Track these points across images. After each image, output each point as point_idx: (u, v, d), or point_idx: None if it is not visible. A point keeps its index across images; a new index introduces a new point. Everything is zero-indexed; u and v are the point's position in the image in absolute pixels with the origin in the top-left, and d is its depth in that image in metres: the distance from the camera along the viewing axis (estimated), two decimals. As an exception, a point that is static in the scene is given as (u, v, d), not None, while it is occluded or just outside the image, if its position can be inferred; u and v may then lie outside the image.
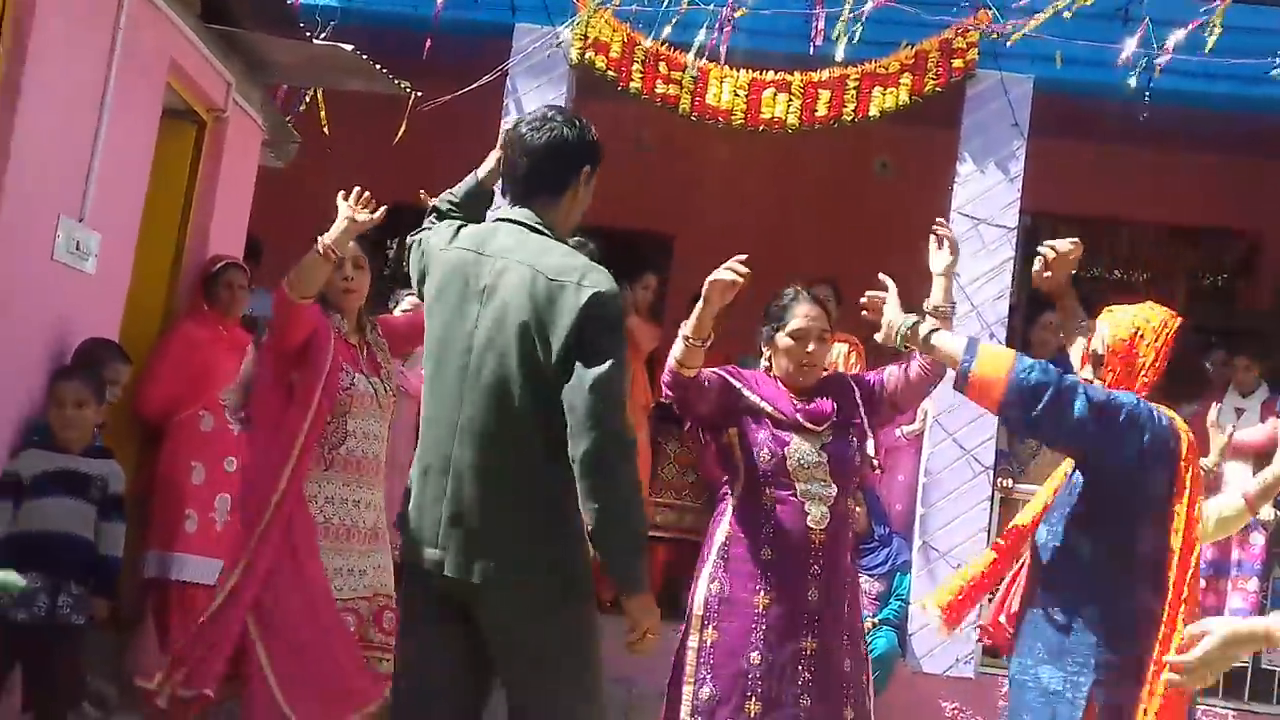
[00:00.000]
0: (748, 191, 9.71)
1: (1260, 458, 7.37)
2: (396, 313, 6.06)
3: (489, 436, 3.26)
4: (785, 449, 4.00)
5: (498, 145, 3.66)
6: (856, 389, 4.17)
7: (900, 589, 7.22)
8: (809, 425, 4.03)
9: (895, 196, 9.21)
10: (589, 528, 3.20)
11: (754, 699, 3.89)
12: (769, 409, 4.05)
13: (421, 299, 3.54)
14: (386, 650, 4.40)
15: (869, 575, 7.22)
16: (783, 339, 4.14)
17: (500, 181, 3.62)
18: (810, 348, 4.11)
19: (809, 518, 3.96)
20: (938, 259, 4.14)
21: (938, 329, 3.69)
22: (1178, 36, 6.86)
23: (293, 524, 4.34)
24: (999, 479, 7.30)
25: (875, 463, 4.26)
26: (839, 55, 7.28)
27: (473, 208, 3.73)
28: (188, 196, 6.45)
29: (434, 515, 3.31)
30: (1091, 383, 3.52)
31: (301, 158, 7.68)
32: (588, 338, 3.18)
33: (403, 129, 7.33)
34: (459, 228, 3.52)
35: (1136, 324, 3.53)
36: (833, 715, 3.95)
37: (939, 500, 7.34)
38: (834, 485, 4.01)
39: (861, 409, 4.10)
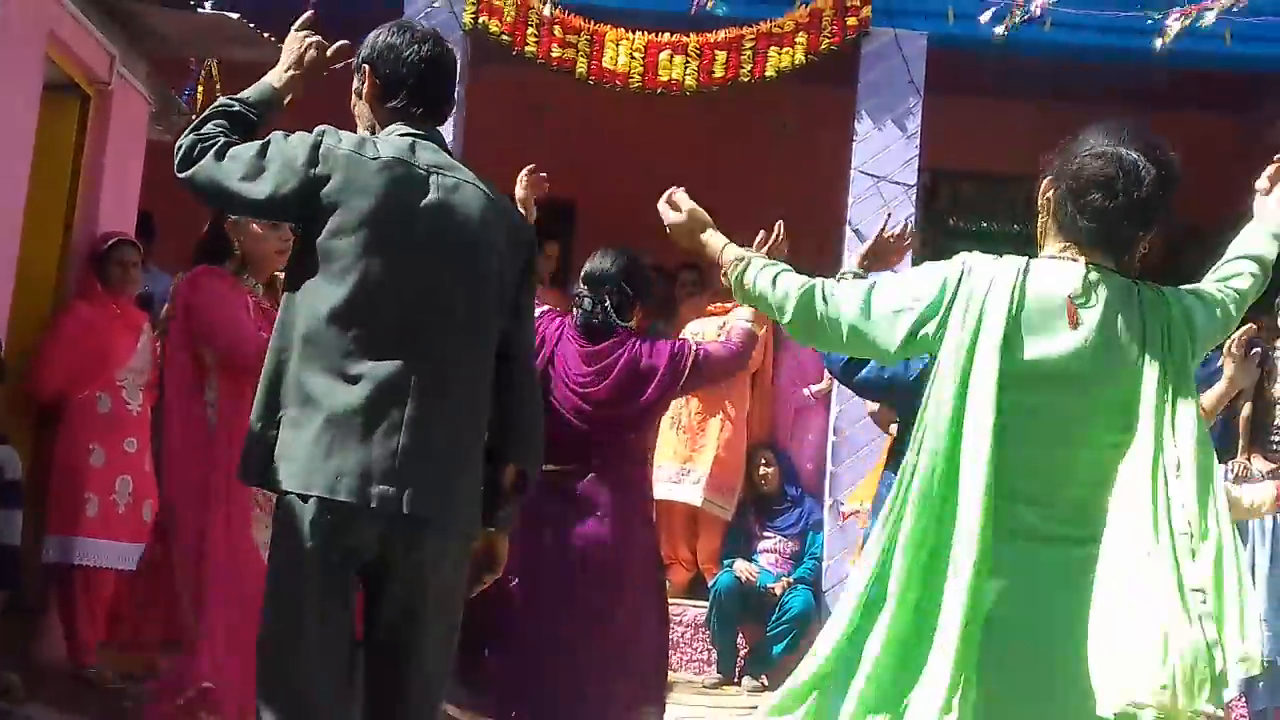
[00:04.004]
0: (648, 155, 9.67)
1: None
2: None
3: (461, 364, 3.12)
4: None
5: (373, 53, 3.24)
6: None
7: (813, 548, 7.30)
8: None
9: (795, 156, 9.23)
10: (520, 446, 3.29)
11: None
12: None
13: (296, 208, 3.11)
14: None
15: (782, 535, 7.30)
16: None
17: (379, 94, 3.25)
18: None
19: None
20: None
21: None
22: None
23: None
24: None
25: None
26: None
27: (263, 126, 3.29)
28: (74, 173, 6.26)
29: (385, 450, 3.00)
30: None
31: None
32: (530, 277, 3.29)
33: (290, 98, 7.17)
34: (366, 137, 3.20)
35: None
36: None
37: (848, 459, 7.40)
38: None
39: None
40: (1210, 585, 2.41)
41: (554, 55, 7.50)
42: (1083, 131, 2.72)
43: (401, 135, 3.20)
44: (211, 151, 3.09)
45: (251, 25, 6.25)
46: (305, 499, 3.02)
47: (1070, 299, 2.57)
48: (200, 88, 7.22)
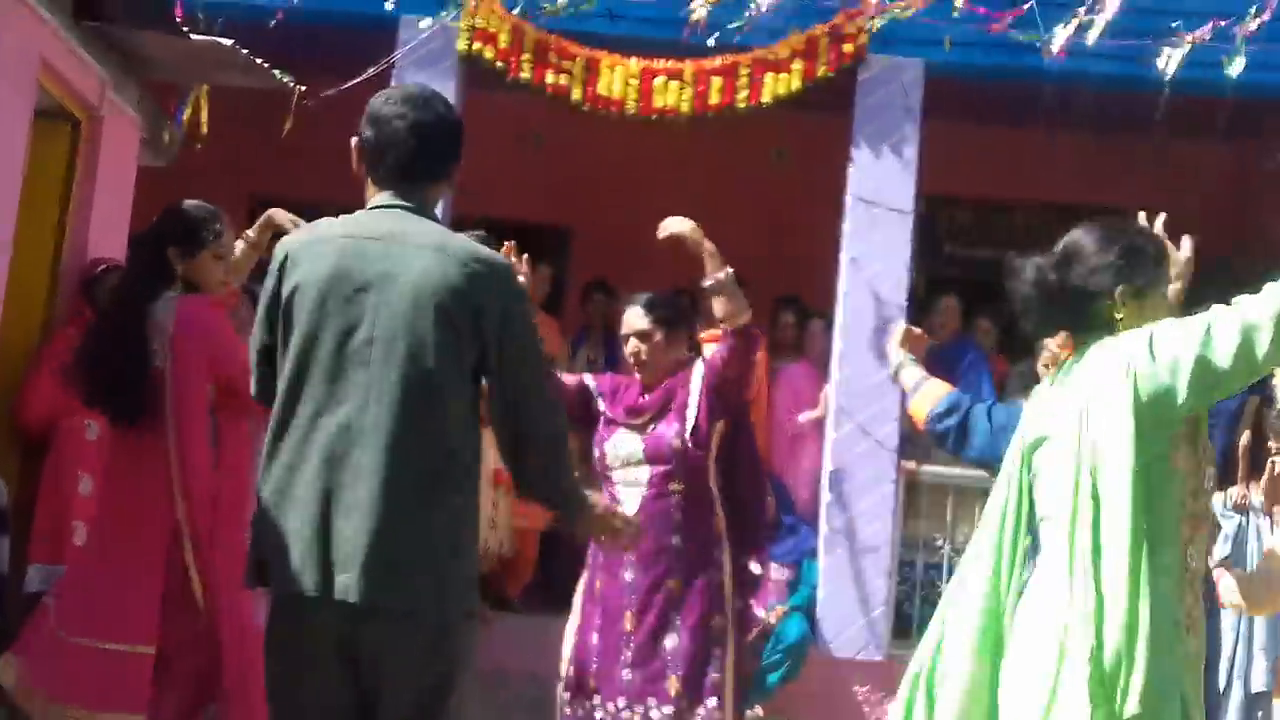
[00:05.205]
0: (645, 182, 9.65)
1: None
2: None
3: (403, 437, 2.99)
4: (604, 445, 4.51)
5: (362, 123, 3.26)
6: (702, 372, 4.53)
7: (809, 576, 7.26)
8: (629, 420, 4.48)
9: (792, 183, 9.21)
10: (548, 494, 3.27)
11: (592, 676, 4.38)
12: (602, 408, 4.52)
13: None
14: None
15: (777, 563, 7.24)
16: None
17: (367, 163, 3.26)
18: (630, 347, 4.56)
19: (622, 506, 4.26)
20: None
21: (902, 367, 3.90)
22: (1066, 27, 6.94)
23: None
24: (903, 462, 7.36)
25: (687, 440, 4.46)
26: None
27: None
28: (64, 199, 6.21)
29: (343, 533, 2.95)
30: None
31: (185, 157, 7.48)
32: (516, 323, 3.13)
33: (289, 124, 7.16)
34: (320, 222, 3.21)
35: None
36: (653, 688, 4.26)
37: (844, 486, 7.35)
38: (650, 471, 4.39)
39: (698, 391, 4.46)
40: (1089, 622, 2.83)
41: (549, 82, 7.48)
42: None
43: (370, 209, 3.22)
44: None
45: (244, 51, 6.22)
46: (278, 596, 3.07)
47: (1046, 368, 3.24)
48: (188, 112, 7.18)
